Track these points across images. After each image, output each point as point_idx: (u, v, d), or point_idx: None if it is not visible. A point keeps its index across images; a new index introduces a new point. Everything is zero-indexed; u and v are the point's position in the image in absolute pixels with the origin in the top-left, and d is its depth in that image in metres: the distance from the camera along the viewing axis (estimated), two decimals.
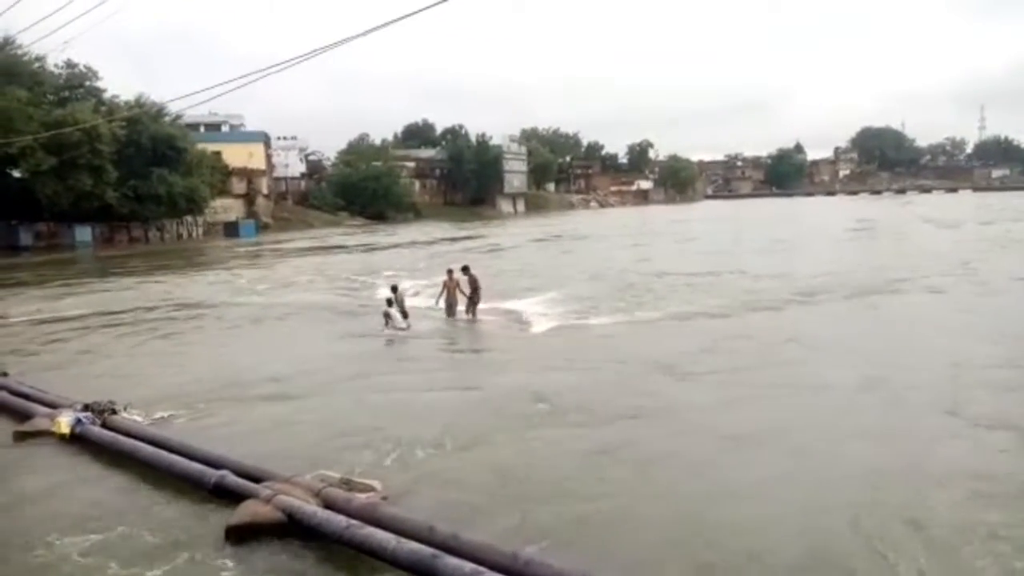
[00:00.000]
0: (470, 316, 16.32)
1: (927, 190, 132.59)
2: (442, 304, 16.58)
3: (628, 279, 22.92)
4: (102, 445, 8.16)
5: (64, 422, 8.53)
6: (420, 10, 10.77)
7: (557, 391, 10.09)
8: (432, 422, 8.84)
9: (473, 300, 16.32)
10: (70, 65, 52.04)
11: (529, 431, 8.53)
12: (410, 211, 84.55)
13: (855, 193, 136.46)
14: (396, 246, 43.10)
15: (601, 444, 8.04)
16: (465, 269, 16.65)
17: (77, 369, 12.78)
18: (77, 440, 8.36)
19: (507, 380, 11.01)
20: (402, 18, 11.57)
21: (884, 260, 24.27)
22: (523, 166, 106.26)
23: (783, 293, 18.73)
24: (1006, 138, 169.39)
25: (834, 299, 17.82)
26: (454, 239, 47.31)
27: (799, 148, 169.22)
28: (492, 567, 4.97)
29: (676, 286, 21.09)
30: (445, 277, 16.78)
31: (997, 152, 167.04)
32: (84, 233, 50.22)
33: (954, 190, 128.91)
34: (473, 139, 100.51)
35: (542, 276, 24.62)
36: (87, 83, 52.68)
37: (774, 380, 10.60)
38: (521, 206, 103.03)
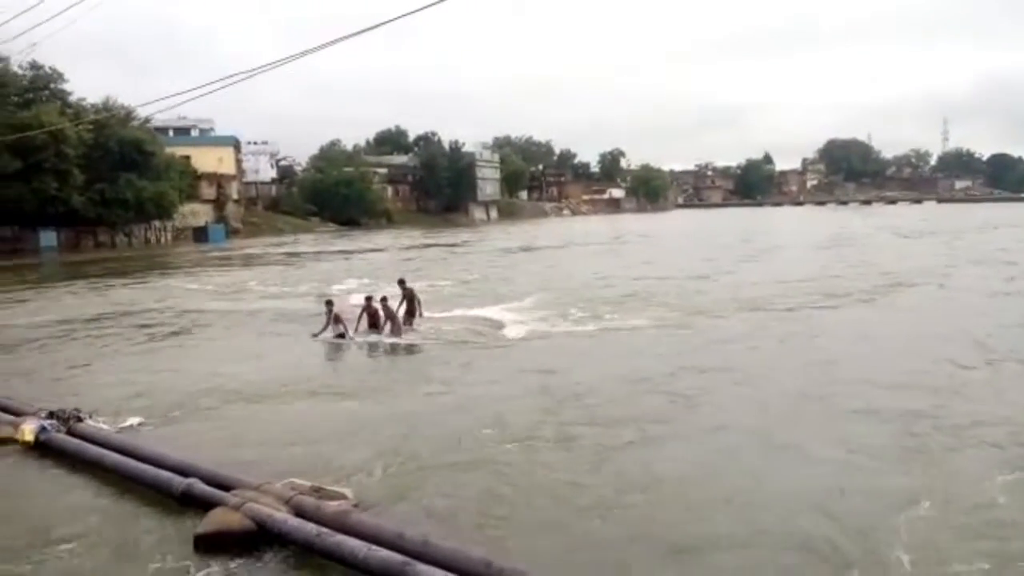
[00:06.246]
0: (408, 327, 15.27)
1: (892, 201, 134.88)
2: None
3: (615, 286, 22.87)
4: (67, 453, 8.03)
5: (28, 429, 8.38)
6: (391, 19, 10.81)
7: (520, 398, 10.14)
8: (398, 431, 8.83)
9: (411, 313, 15.66)
10: (35, 67, 51.04)
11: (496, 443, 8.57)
12: (383, 217, 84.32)
13: (822, 203, 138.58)
14: (372, 251, 42.88)
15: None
16: (401, 283, 16.13)
17: (41, 376, 12.52)
18: (42, 448, 8.22)
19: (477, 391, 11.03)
20: (374, 27, 11.59)
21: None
22: (496, 174, 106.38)
23: (766, 300, 18.98)
24: (968, 151, 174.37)
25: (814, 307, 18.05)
26: (429, 246, 47.12)
27: (768, 159, 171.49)
28: (464, 574, 4.99)
29: (669, 291, 21.20)
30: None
31: (959, 164, 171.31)
32: (49, 238, 49.32)
33: (919, 201, 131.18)
34: (446, 146, 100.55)
35: (527, 282, 24.48)
36: (52, 85, 51.75)
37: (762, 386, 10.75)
38: (494, 213, 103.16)
